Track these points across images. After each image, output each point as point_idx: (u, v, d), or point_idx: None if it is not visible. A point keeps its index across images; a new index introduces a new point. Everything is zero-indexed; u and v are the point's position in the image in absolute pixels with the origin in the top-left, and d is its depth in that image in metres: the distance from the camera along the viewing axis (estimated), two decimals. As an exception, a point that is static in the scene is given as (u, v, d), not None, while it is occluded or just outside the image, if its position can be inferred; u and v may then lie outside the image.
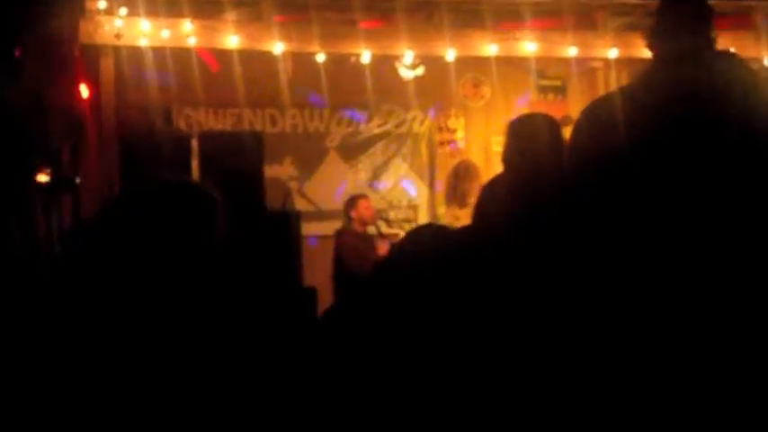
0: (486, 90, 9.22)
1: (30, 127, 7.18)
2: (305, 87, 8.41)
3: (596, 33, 8.08)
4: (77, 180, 8.00)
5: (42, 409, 2.38)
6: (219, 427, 2.42)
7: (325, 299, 5.83)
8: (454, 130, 9.33)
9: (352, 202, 7.76)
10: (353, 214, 7.66)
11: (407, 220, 8.87)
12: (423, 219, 9.10)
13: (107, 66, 7.32)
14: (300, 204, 8.60)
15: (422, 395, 2.55)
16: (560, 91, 9.33)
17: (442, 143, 9.32)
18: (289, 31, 7.57)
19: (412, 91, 8.56)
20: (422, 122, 9.24)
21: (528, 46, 7.87)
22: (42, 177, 7.89)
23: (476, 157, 9.03)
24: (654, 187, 2.81)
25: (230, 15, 7.64)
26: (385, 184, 9.18)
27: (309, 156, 8.97)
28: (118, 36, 7.14)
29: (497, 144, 8.55)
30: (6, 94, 7.01)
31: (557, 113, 5.44)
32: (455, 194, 8.01)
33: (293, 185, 8.87)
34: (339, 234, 7.66)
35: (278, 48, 7.49)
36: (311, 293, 5.55)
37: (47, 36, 7.49)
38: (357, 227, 7.66)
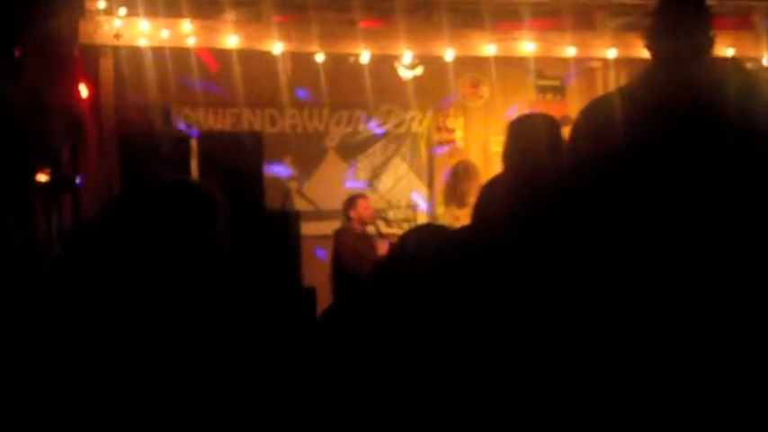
0: (484, 90, 9.22)
1: (29, 127, 7.18)
2: (301, 87, 8.41)
3: (595, 33, 8.09)
4: (77, 180, 7.99)
5: (42, 408, 2.39)
6: (219, 427, 2.42)
7: (324, 299, 5.84)
8: (453, 130, 9.33)
9: (352, 201, 7.76)
10: (353, 214, 7.66)
11: (407, 220, 8.87)
12: (422, 219, 9.10)
13: (106, 66, 7.32)
14: (300, 204, 8.61)
15: (421, 395, 2.55)
16: (559, 91, 9.33)
17: (440, 143, 9.32)
18: (288, 31, 7.57)
19: (411, 91, 8.56)
20: (421, 122, 9.24)
21: (527, 46, 7.87)
22: (42, 177, 7.89)
23: (475, 157, 9.03)
24: (653, 187, 2.81)
25: (229, 15, 7.64)
26: (384, 183, 9.19)
27: (309, 155, 8.97)
28: (117, 36, 7.14)
29: (496, 144, 8.56)
30: (6, 94, 7.01)
31: (555, 113, 5.44)
32: (454, 194, 8.01)
33: (292, 185, 8.88)
34: (338, 234, 7.66)
35: (277, 48, 7.49)
36: (310, 293, 5.56)
37: (46, 36, 7.49)
38: (356, 227, 7.66)
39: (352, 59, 7.91)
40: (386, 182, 9.17)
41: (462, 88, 9.17)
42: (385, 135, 9.17)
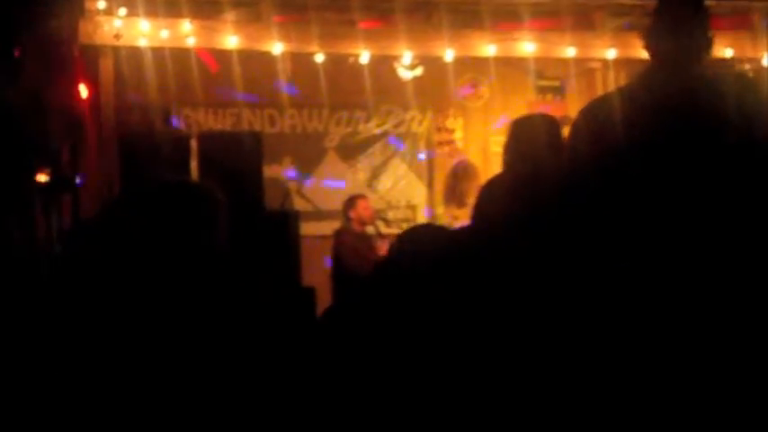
0: (484, 90, 9.23)
1: (29, 127, 7.17)
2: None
3: (594, 34, 8.10)
4: (77, 180, 7.99)
5: (42, 409, 2.39)
6: (218, 427, 2.42)
7: (324, 299, 5.83)
8: (452, 131, 9.34)
9: (351, 202, 7.77)
10: (352, 214, 7.67)
11: (406, 220, 8.87)
12: (421, 219, 9.10)
13: (106, 66, 7.33)
14: (299, 204, 8.61)
15: (421, 395, 2.55)
16: (559, 91, 9.34)
17: (440, 143, 9.32)
18: (288, 31, 7.58)
19: (410, 91, 8.56)
20: (420, 123, 9.25)
21: (526, 46, 7.88)
22: (42, 177, 7.88)
23: (474, 158, 9.04)
24: (652, 187, 2.82)
25: (229, 16, 7.65)
26: (383, 184, 9.19)
27: (308, 156, 8.98)
28: (117, 36, 7.15)
29: (496, 144, 8.57)
30: (6, 94, 7.01)
31: (555, 114, 5.45)
32: (453, 194, 8.02)
33: (292, 185, 8.88)
34: (338, 234, 7.66)
35: (277, 48, 7.50)
36: (310, 293, 5.55)
37: (46, 36, 7.49)
38: (356, 227, 7.67)
39: (351, 60, 7.91)
40: (385, 182, 9.17)
41: (462, 89, 9.17)
42: (385, 135, 9.17)
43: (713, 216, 2.76)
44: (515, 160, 4.12)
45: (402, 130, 9.20)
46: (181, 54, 7.50)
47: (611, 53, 7.92)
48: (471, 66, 8.67)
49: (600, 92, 7.46)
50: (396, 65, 8.19)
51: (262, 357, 2.54)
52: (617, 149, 2.87)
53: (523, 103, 8.86)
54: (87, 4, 7.19)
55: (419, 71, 8.25)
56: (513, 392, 2.58)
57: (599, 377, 2.69)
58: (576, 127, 3.07)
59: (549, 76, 9.21)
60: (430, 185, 9.26)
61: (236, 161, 5.51)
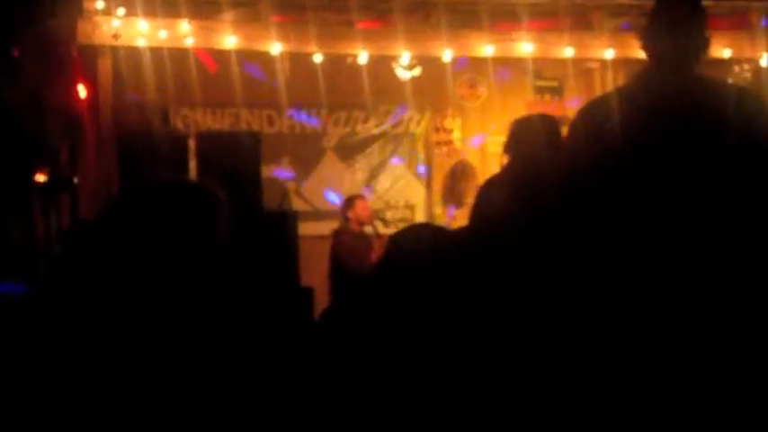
0: (482, 90, 9.23)
1: (28, 127, 7.18)
2: (302, 88, 8.42)
3: (593, 34, 8.09)
4: (75, 180, 7.99)
5: (42, 409, 2.39)
6: (217, 427, 2.42)
7: (322, 299, 5.84)
8: (451, 131, 9.34)
9: (350, 202, 7.77)
10: (350, 214, 7.67)
11: (404, 220, 8.87)
12: (420, 219, 9.10)
13: (105, 66, 7.33)
14: (297, 204, 8.61)
15: (420, 395, 2.55)
16: (557, 92, 9.33)
17: (438, 143, 9.32)
18: (286, 31, 7.58)
19: (409, 91, 8.56)
20: (419, 123, 9.25)
21: (525, 47, 7.88)
22: (40, 177, 7.88)
23: (472, 158, 9.05)
24: (650, 187, 2.82)
25: (228, 16, 7.65)
26: (382, 184, 9.19)
27: (307, 156, 8.97)
28: (116, 36, 7.15)
29: (494, 144, 8.57)
30: (4, 94, 7.01)
31: (553, 114, 5.46)
32: (452, 194, 8.03)
33: (290, 185, 8.88)
34: (336, 234, 7.66)
35: (275, 48, 7.50)
36: (308, 293, 5.55)
37: (45, 36, 7.49)
38: (354, 227, 7.67)
39: (350, 60, 7.91)
40: (383, 182, 9.17)
41: (460, 89, 9.17)
42: (383, 135, 9.17)
43: (712, 216, 2.77)
44: (515, 160, 4.14)
45: (400, 130, 9.20)
46: (179, 54, 7.49)
47: (609, 53, 7.92)
48: (469, 66, 8.67)
49: (598, 92, 7.47)
50: (394, 65, 8.19)
51: (260, 357, 2.54)
52: (615, 149, 2.87)
53: (522, 104, 8.85)
54: (86, 4, 7.18)
55: (417, 71, 8.25)
56: (512, 392, 2.59)
57: (597, 376, 2.70)
58: (574, 127, 3.08)
59: (548, 76, 9.21)
60: (428, 185, 9.26)
61: (235, 161, 5.51)
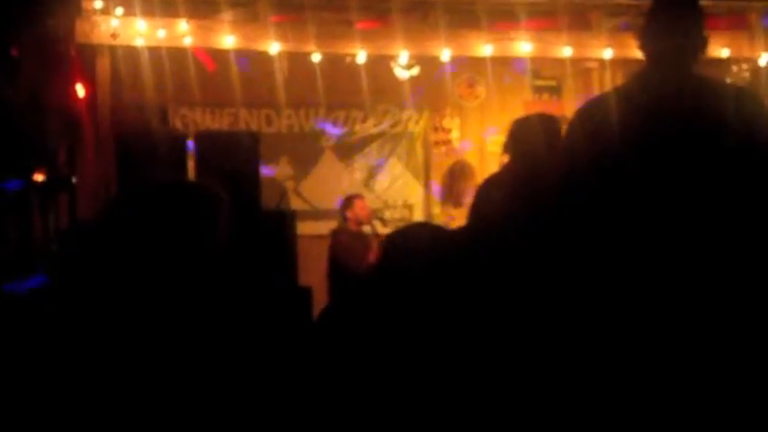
0: (480, 90, 9.23)
1: (26, 126, 7.17)
2: (300, 87, 8.42)
3: (591, 34, 8.10)
4: (74, 179, 7.98)
5: (42, 409, 2.39)
6: (216, 426, 2.42)
7: (321, 299, 5.84)
8: (449, 130, 9.34)
9: (348, 201, 7.77)
10: (349, 214, 7.67)
11: (403, 220, 8.87)
12: (418, 218, 9.10)
13: (103, 65, 7.33)
14: (296, 204, 8.61)
15: (418, 395, 2.56)
16: (555, 91, 9.34)
17: (436, 143, 9.33)
18: (285, 31, 7.58)
19: (407, 91, 8.56)
20: (417, 122, 9.25)
21: (523, 46, 7.88)
22: (39, 177, 7.87)
23: (471, 157, 9.05)
24: (648, 187, 2.82)
25: (226, 15, 7.65)
26: (380, 183, 9.19)
27: (305, 155, 8.97)
28: (114, 36, 7.15)
29: (492, 144, 8.58)
30: (3, 93, 7.00)
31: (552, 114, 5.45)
32: (450, 194, 8.03)
33: (289, 185, 8.88)
34: (335, 234, 7.67)
35: (274, 48, 7.50)
36: (306, 293, 5.55)
37: (43, 35, 7.48)
38: (353, 226, 7.67)
39: (348, 59, 7.91)
40: (382, 182, 9.17)
41: (458, 88, 9.17)
42: (381, 135, 9.17)
43: (711, 216, 2.77)
44: (514, 159, 4.14)
45: (399, 129, 9.20)
46: (178, 53, 7.50)
47: (607, 53, 7.93)
48: (468, 65, 8.67)
49: (596, 92, 7.46)
50: (392, 64, 8.19)
51: (259, 357, 2.54)
52: (613, 149, 2.87)
53: (520, 103, 8.86)
54: (84, 4, 7.18)
55: (416, 71, 8.25)
56: (510, 391, 2.59)
57: (597, 376, 2.70)
58: (572, 127, 3.08)
59: (546, 75, 9.22)
60: (426, 185, 9.26)
61: (234, 161, 5.51)
